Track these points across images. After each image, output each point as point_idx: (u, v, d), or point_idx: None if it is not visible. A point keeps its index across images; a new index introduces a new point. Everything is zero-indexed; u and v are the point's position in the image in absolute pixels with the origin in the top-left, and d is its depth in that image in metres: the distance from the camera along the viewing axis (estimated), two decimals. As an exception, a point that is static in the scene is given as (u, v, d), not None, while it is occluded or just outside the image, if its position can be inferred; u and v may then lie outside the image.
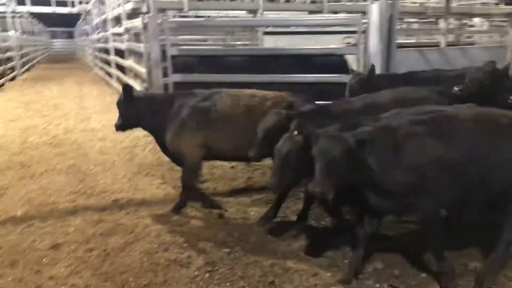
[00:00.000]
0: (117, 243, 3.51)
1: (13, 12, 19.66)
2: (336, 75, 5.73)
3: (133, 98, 4.13)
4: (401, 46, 5.89)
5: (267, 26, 8.81)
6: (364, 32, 5.54)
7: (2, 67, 14.04)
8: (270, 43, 10.66)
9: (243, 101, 4.07)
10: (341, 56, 6.06)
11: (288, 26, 7.45)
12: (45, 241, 3.51)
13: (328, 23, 7.10)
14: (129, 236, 3.63)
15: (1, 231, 3.68)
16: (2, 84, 13.36)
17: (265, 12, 11.72)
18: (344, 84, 5.26)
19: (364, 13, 6.91)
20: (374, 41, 5.51)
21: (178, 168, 4.40)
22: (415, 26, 13.99)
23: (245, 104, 4.04)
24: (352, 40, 6.62)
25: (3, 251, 3.35)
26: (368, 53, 5.58)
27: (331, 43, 9.09)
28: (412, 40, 12.07)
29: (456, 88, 3.80)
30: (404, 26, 12.96)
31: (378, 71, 5.44)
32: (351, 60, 6.05)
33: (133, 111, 4.10)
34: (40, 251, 3.36)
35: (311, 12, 12.79)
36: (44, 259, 3.23)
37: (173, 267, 3.12)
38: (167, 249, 3.40)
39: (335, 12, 13.35)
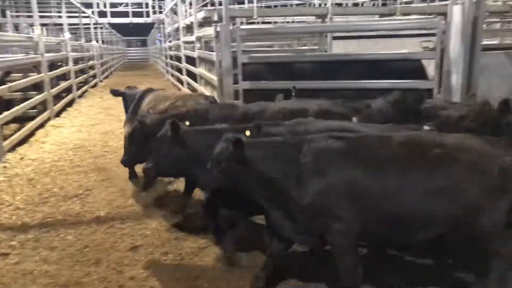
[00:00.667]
0: (190, 248, 3.60)
1: (95, 24, 21.27)
2: (412, 81, 5.48)
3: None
4: (485, 48, 5.45)
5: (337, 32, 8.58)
6: (443, 35, 5.22)
7: (86, 74, 15.21)
8: (339, 47, 10.44)
9: None
10: (418, 61, 5.76)
11: (360, 31, 7.17)
12: (125, 242, 3.70)
13: (404, 27, 6.79)
14: (202, 241, 3.70)
15: (86, 230, 3.93)
16: (85, 91, 14.45)
17: (334, 17, 11.58)
18: (422, 90, 4.99)
19: (441, 14, 6.52)
20: (455, 45, 5.16)
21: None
22: (497, 26, 12.97)
23: None
24: (429, 43, 6.25)
25: (89, 249, 3.58)
26: (448, 57, 5.25)
27: (403, 47, 8.67)
28: (494, 42, 11.21)
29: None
30: (484, 26, 12.08)
31: (459, 77, 5.10)
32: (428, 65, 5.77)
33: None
34: (121, 251, 3.54)
35: (382, 15, 12.40)
36: (125, 260, 3.40)
37: (246, 275, 3.12)
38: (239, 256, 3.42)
39: (407, 14, 12.83)
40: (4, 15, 24.61)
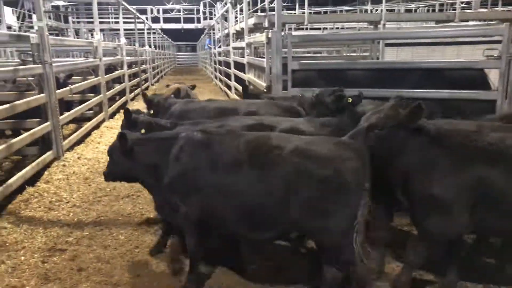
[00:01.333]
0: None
1: (148, 29, 22.08)
2: (472, 91, 5.17)
3: None
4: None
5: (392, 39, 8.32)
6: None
7: (138, 78, 15.80)
8: (392, 54, 10.12)
9: None
10: (479, 70, 5.44)
11: (417, 38, 6.89)
12: (174, 244, 3.74)
13: (466, 34, 6.42)
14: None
15: (137, 231, 4.03)
16: (138, 94, 14.99)
17: (387, 24, 11.28)
18: (483, 101, 4.70)
19: (505, 20, 6.13)
20: (523, 53, 4.82)
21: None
22: None
23: None
24: (493, 52, 5.88)
25: (139, 250, 3.66)
26: (514, 67, 4.91)
27: (462, 54, 8.26)
28: None
29: None
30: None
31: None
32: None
33: None
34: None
35: (438, 21, 11.93)
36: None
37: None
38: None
39: (465, 20, 12.25)
40: (66, 21, 26.19)
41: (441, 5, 18.34)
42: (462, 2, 13.65)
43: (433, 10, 20.19)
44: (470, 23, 12.25)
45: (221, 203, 2.75)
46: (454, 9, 13.16)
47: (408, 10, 23.42)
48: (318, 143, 2.70)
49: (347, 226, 2.53)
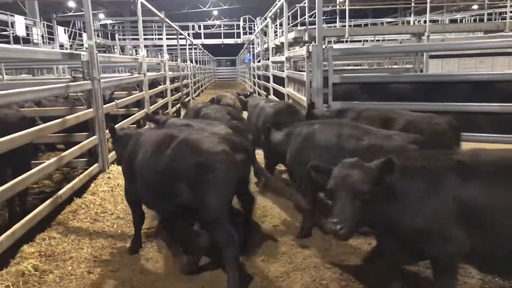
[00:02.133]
0: (277, 271, 3.53)
1: (190, 45, 22.71)
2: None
3: None
4: None
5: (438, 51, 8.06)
6: None
7: (180, 92, 16.21)
8: (436, 66, 9.79)
9: None
10: (535, 82, 5.15)
11: (465, 50, 6.63)
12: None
13: (519, 45, 6.09)
14: (289, 266, 3.61)
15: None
16: (180, 108, 15.36)
17: (431, 35, 10.97)
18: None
19: None
20: None
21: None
22: None
23: None
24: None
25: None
26: None
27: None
28: None
29: None
30: None
31: None
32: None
33: None
34: (211, 270, 3.59)
35: (487, 31, 11.44)
36: (216, 278, 3.44)
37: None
38: (327, 286, 3.27)
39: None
40: (113, 38, 27.47)
41: (489, 14, 17.61)
42: (512, 11, 13.04)
43: (481, 20, 19.44)
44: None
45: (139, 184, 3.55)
46: (503, 19, 12.61)
47: (453, 21, 22.71)
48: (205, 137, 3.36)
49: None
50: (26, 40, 17.94)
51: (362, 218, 2.59)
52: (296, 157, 4.20)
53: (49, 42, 19.51)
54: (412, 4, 12.85)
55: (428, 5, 11.11)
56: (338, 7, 13.12)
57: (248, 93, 7.80)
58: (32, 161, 5.57)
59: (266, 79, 14.04)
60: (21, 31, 16.77)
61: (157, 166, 3.28)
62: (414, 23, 15.54)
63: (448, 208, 2.49)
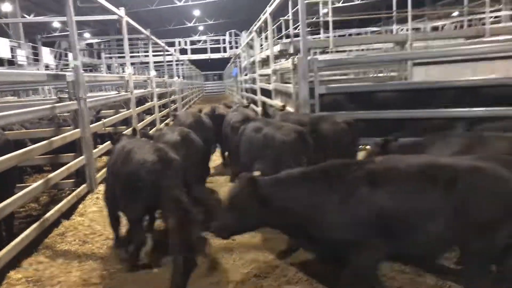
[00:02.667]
0: (271, 286, 3.48)
1: (177, 61, 22.76)
2: (509, 108, 4.96)
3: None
4: None
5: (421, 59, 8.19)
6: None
7: (168, 108, 16.17)
8: (421, 74, 9.93)
9: None
10: (517, 86, 5.24)
11: (446, 56, 6.75)
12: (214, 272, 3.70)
13: (500, 50, 6.22)
14: (282, 279, 3.57)
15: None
16: (167, 124, 15.32)
17: (414, 43, 11.17)
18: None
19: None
20: None
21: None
22: None
23: None
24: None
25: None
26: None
27: (495, 71, 8.02)
28: None
29: None
30: None
31: None
32: None
33: None
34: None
35: (468, 38, 11.68)
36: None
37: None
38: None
39: (496, 35, 11.93)
40: (99, 57, 27.45)
41: (469, 21, 18.00)
42: (491, 17, 13.34)
43: (461, 27, 19.86)
44: (502, 37, 11.93)
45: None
46: (483, 24, 12.89)
47: (435, 28, 23.14)
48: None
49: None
50: (11, 62, 17.83)
51: (245, 225, 3.06)
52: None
53: (34, 63, 19.40)
54: (394, 13, 13.09)
55: (409, 14, 11.34)
56: (321, 18, 13.29)
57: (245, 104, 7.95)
58: (18, 184, 5.48)
59: (254, 92, 14.09)
60: (5, 53, 16.66)
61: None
62: (397, 32, 15.80)
63: (360, 215, 2.63)
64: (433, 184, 2.60)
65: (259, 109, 12.69)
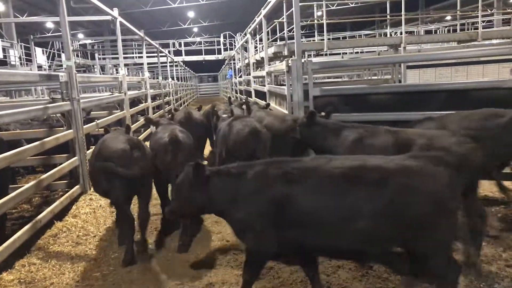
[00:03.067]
0: (265, 287, 3.48)
1: (171, 62, 22.71)
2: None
3: None
4: None
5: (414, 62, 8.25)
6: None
7: (162, 110, 16.13)
8: (414, 76, 10.02)
9: None
10: (509, 89, 5.28)
11: (439, 60, 6.79)
12: (208, 273, 3.69)
13: (491, 54, 6.26)
14: (276, 281, 3.58)
15: (165, 264, 3.99)
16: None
17: (408, 46, 11.25)
18: None
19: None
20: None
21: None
22: None
23: None
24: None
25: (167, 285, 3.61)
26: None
27: (487, 73, 8.12)
28: None
29: None
30: None
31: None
32: None
33: None
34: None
35: (461, 41, 11.80)
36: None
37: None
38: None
39: (488, 39, 12.07)
40: (93, 58, 27.30)
41: (462, 24, 18.18)
42: (483, 21, 13.48)
43: (454, 30, 20.06)
44: (494, 41, 12.08)
45: None
46: (476, 28, 13.03)
47: (428, 32, 23.35)
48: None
49: None
50: (3, 62, 17.69)
51: (190, 209, 3.21)
52: None
53: (27, 64, 19.26)
54: (388, 16, 13.18)
55: (403, 17, 11.41)
56: (316, 21, 13.35)
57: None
58: (11, 185, 5.44)
59: (248, 94, 14.10)
60: (-3, 54, 16.53)
61: None
62: (391, 35, 15.91)
63: (264, 209, 2.81)
64: (358, 185, 2.63)
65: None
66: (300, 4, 6.24)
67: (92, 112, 8.30)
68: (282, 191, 2.77)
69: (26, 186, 4.74)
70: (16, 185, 6.25)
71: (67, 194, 5.68)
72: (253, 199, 2.85)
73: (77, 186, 6.07)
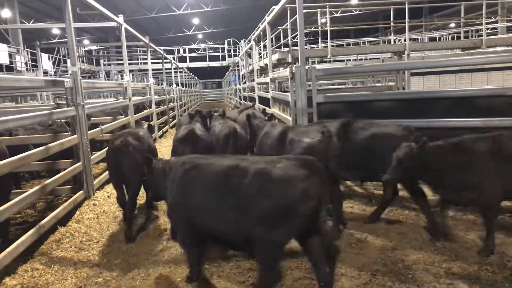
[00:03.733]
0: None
1: (175, 68, 22.82)
2: (507, 119, 4.99)
3: None
4: None
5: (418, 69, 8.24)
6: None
7: (166, 116, 16.19)
8: (418, 83, 9.99)
9: None
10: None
11: (443, 67, 6.78)
12: (211, 281, 3.67)
13: (496, 61, 6.24)
14: (279, 288, 3.56)
15: (167, 270, 3.98)
16: (166, 131, 15.33)
17: (412, 53, 11.25)
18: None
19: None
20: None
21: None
22: None
23: None
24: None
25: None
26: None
27: (491, 81, 8.08)
28: None
29: None
30: None
31: None
32: None
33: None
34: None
35: (465, 49, 11.78)
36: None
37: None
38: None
39: (493, 46, 12.06)
40: (98, 64, 27.48)
41: (466, 32, 18.18)
42: (487, 29, 13.47)
43: (458, 38, 20.05)
44: (498, 48, 12.05)
45: None
46: (480, 36, 13.01)
47: (432, 39, 23.35)
48: None
49: None
50: (9, 68, 17.84)
51: (157, 193, 3.86)
52: None
53: (32, 69, 19.41)
54: (392, 23, 13.19)
55: (407, 24, 11.43)
56: (320, 28, 13.39)
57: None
58: (15, 190, 5.46)
59: (252, 100, 14.13)
60: (3, 59, 16.68)
61: None
62: (394, 42, 15.91)
63: (179, 198, 3.41)
64: (227, 182, 3.09)
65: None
66: (304, 11, 6.27)
67: (96, 118, 8.35)
68: (184, 182, 3.36)
69: (30, 191, 4.77)
70: (20, 190, 6.28)
71: (71, 199, 5.70)
72: (170, 188, 3.49)
73: (81, 192, 6.09)
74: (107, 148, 5.24)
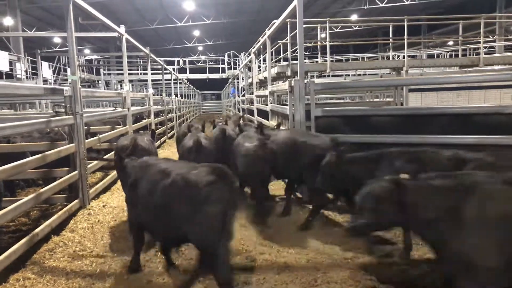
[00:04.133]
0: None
1: (175, 79, 22.92)
2: (504, 137, 5.01)
3: None
4: None
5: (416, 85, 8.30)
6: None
7: (165, 126, 16.20)
8: (416, 100, 10.05)
9: None
10: (510, 115, 5.29)
11: (441, 84, 6.83)
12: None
13: (493, 79, 6.32)
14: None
15: (161, 281, 3.93)
16: (164, 142, 15.32)
17: (410, 69, 11.34)
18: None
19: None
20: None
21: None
22: None
23: None
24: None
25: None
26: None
27: (488, 98, 8.15)
28: None
29: None
30: None
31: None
32: None
33: None
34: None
35: (463, 66, 11.88)
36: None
37: None
38: None
39: (490, 65, 12.17)
40: (98, 73, 27.60)
41: (464, 50, 18.38)
42: (485, 47, 13.61)
43: (456, 55, 20.26)
44: (496, 67, 12.16)
45: None
46: (478, 54, 13.15)
47: (430, 56, 23.58)
48: None
49: None
50: (9, 75, 17.88)
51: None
52: None
53: (33, 77, 19.46)
54: (391, 40, 13.33)
55: (406, 41, 11.55)
56: (319, 43, 13.51)
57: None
58: (9, 198, 5.42)
59: (251, 112, 14.17)
60: (4, 67, 16.73)
61: None
62: (393, 58, 16.06)
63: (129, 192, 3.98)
64: (156, 183, 3.52)
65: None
66: (304, 26, 6.34)
67: (94, 127, 8.34)
68: (134, 178, 3.86)
69: (25, 199, 4.72)
70: (14, 198, 6.24)
71: (65, 208, 5.65)
72: (126, 182, 4.05)
73: (76, 201, 6.04)
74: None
